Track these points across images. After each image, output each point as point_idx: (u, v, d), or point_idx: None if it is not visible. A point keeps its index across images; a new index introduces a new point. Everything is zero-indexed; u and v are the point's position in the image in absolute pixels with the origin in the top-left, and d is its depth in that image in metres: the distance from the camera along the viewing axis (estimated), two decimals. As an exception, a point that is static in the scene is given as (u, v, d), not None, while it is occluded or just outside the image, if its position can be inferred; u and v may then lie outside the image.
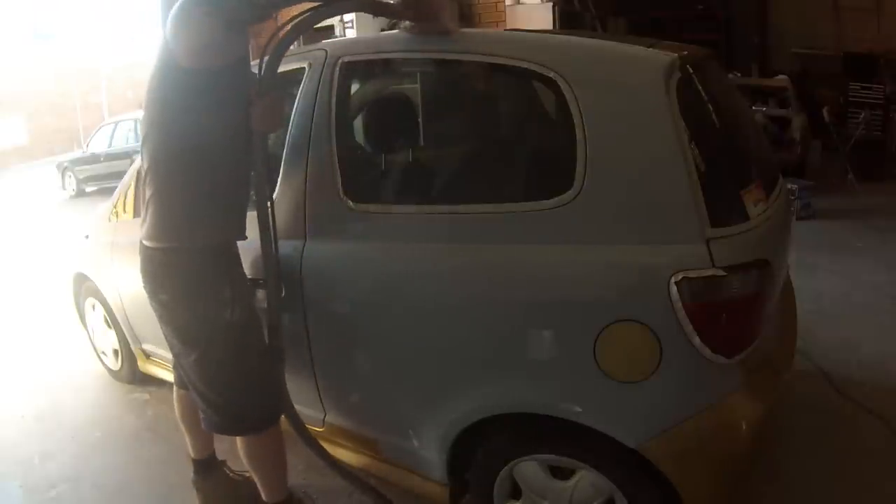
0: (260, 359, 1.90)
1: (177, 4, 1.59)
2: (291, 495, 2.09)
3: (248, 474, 2.10)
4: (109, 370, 3.40)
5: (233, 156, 1.82)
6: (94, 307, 3.26)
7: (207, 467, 2.26)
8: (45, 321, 4.37)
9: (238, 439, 1.94)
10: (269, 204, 1.86)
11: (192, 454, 2.27)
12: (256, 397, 1.90)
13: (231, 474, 2.30)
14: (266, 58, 1.78)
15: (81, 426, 2.96)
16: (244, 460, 1.98)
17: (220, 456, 2.32)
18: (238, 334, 1.84)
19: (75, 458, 2.70)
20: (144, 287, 1.86)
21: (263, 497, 2.03)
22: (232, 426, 1.91)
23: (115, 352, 3.25)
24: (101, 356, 3.42)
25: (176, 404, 2.22)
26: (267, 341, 1.93)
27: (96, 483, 2.52)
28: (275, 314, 1.92)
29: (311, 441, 2.02)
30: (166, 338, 1.90)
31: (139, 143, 1.85)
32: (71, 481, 2.53)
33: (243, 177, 1.87)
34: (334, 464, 2.06)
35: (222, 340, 1.81)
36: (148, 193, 1.79)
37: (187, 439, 2.25)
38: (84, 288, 3.28)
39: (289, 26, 1.77)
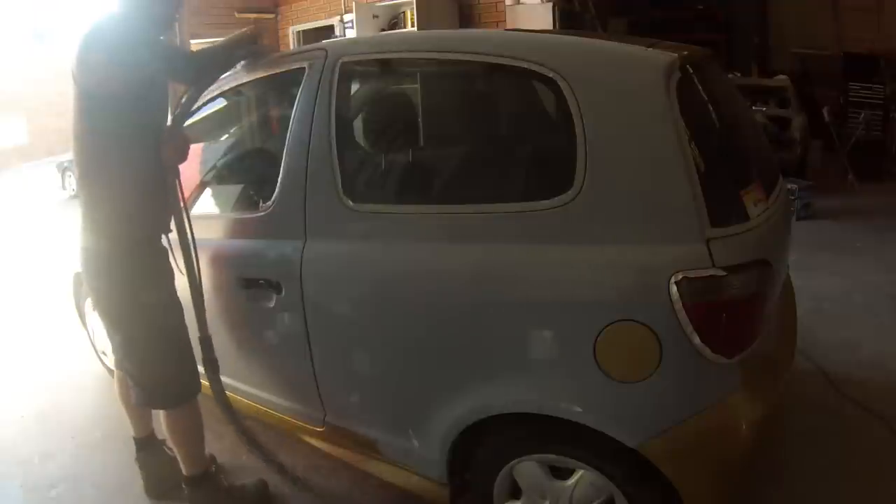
0: (179, 339, 2.11)
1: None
2: (208, 469, 2.27)
3: None
4: (109, 370, 3.38)
5: (153, 159, 2.02)
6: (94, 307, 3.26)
7: (147, 445, 2.43)
8: (45, 321, 4.37)
9: (162, 415, 2.15)
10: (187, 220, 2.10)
11: (132, 433, 2.43)
12: (176, 374, 2.11)
13: (170, 452, 2.38)
14: (177, 110, 2.09)
15: (81, 426, 2.96)
16: (167, 436, 2.19)
17: (159, 436, 2.42)
18: (158, 316, 2.04)
19: (75, 458, 2.69)
20: (84, 279, 2.09)
21: (183, 470, 2.22)
22: (154, 400, 2.13)
23: (115, 352, 3.24)
24: (101, 356, 3.41)
25: (116, 386, 2.40)
26: (201, 355, 2.16)
27: (96, 483, 2.51)
28: (204, 326, 2.16)
29: (227, 407, 2.25)
30: (100, 321, 2.15)
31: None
32: (71, 481, 2.53)
33: (162, 178, 2.07)
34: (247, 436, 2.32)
35: (145, 321, 2.03)
36: (83, 202, 2.02)
37: (128, 419, 2.41)
38: (84, 288, 3.28)
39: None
